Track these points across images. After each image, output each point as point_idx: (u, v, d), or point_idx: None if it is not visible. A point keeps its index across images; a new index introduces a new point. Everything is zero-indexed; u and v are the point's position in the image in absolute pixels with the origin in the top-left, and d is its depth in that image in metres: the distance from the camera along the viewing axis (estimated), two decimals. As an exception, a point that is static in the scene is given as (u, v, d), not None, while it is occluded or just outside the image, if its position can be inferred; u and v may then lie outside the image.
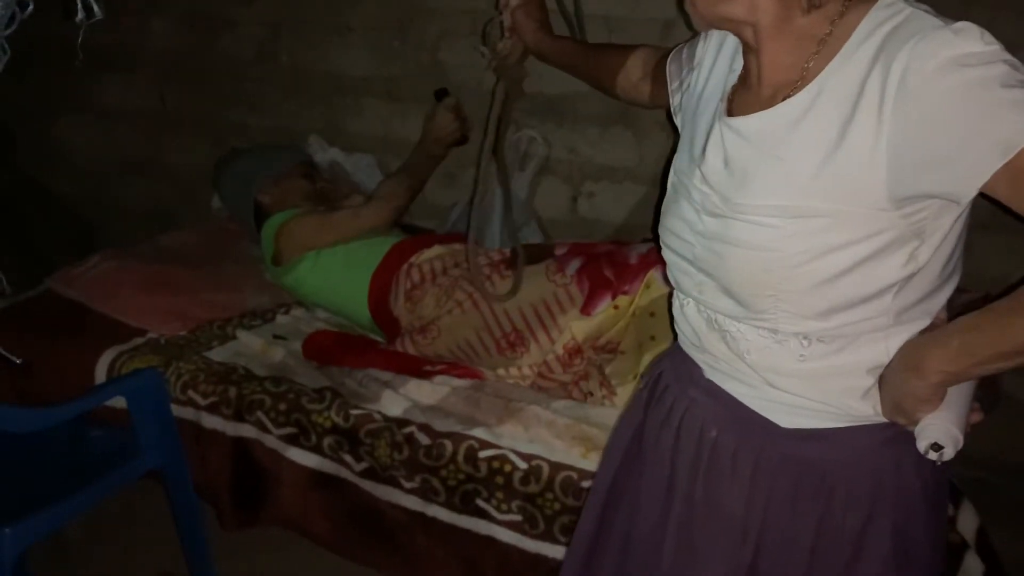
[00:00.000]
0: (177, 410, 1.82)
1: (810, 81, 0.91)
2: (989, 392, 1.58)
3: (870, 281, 0.89)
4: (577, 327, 1.81)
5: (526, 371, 1.85)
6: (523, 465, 1.61)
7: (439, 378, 1.85)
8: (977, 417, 0.95)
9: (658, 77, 1.26)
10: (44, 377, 1.95)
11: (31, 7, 1.38)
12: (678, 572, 1.08)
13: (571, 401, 1.77)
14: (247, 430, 1.81)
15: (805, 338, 0.94)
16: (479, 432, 1.67)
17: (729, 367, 1.03)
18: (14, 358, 1.53)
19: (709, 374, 1.07)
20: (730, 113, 0.99)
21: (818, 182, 0.88)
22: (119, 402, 1.78)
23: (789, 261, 0.90)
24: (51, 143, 3.21)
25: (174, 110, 2.99)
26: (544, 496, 1.58)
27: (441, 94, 2.23)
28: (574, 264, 1.87)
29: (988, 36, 0.80)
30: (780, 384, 0.98)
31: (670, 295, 1.15)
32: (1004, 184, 0.79)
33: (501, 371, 1.86)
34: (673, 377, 1.14)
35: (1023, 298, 0.81)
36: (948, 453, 0.89)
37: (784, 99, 0.93)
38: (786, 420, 1.00)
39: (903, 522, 0.98)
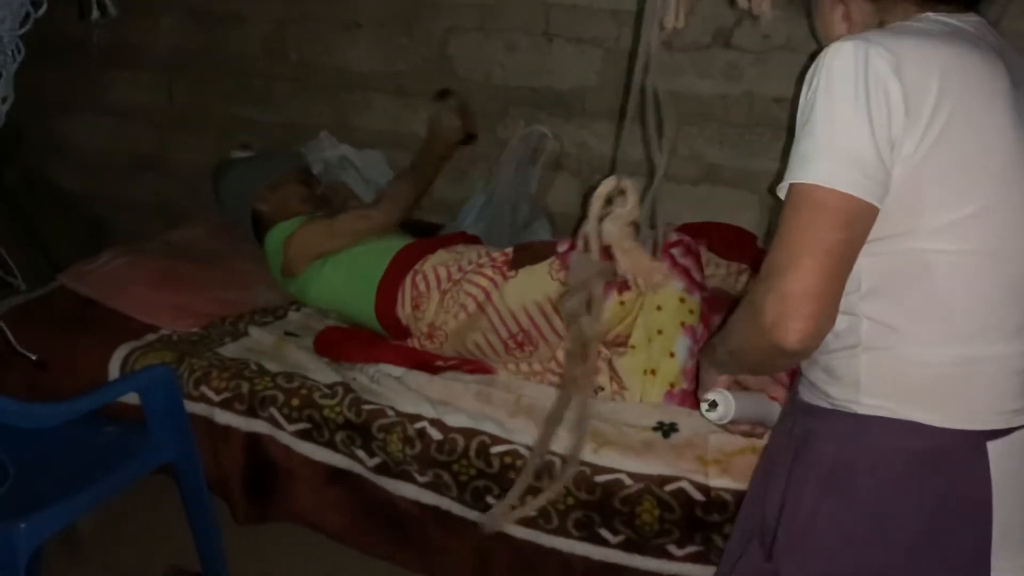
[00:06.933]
0: (190, 406, 1.82)
1: None
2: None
3: None
4: (585, 323, 1.80)
5: (536, 367, 1.85)
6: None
7: (450, 373, 1.85)
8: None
9: None
10: (57, 373, 1.95)
11: (45, 6, 1.38)
12: None
13: (582, 396, 1.77)
14: (260, 425, 1.81)
15: None
16: (491, 427, 1.67)
17: None
18: (31, 356, 1.53)
19: None
20: None
21: None
22: (132, 398, 1.79)
23: None
24: (60, 140, 3.22)
25: (182, 106, 2.99)
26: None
27: (443, 94, 2.18)
28: (577, 260, 1.87)
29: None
30: None
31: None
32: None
33: (512, 367, 1.87)
34: None
35: (731, 320, 1.09)
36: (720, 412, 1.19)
37: None
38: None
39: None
